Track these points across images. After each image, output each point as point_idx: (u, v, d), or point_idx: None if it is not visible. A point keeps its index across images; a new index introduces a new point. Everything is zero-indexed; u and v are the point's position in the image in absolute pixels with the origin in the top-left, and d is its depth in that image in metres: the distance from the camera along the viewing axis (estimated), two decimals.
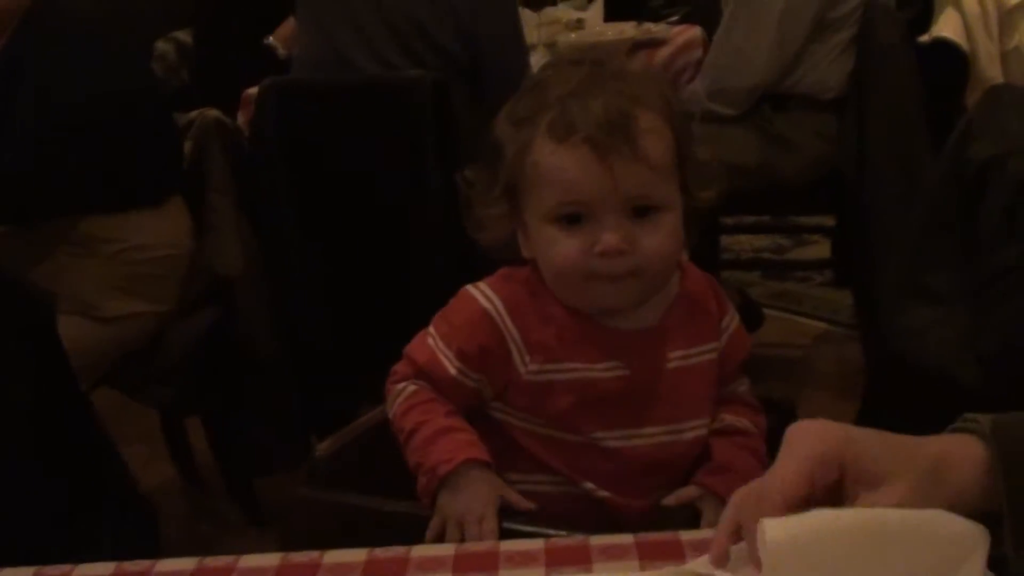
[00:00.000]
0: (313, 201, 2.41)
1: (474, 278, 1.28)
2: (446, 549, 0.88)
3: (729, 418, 1.31)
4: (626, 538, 0.87)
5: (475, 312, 1.23)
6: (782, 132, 2.74)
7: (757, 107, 2.76)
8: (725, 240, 3.80)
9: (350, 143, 2.35)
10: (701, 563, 0.83)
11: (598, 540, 0.88)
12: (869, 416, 1.75)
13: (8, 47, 2.05)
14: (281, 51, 3.22)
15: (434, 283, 1.90)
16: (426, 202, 2.30)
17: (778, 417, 1.35)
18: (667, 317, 1.25)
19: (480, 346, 1.22)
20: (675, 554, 0.85)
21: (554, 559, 0.86)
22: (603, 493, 1.23)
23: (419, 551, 0.88)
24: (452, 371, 1.22)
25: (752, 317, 2.94)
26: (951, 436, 0.79)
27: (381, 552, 0.88)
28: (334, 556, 0.88)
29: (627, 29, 3.19)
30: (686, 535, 0.89)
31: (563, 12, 3.39)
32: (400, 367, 1.26)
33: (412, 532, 1.06)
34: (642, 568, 0.84)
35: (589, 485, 1.22)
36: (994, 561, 0.74)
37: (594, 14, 3.39)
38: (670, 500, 1.24)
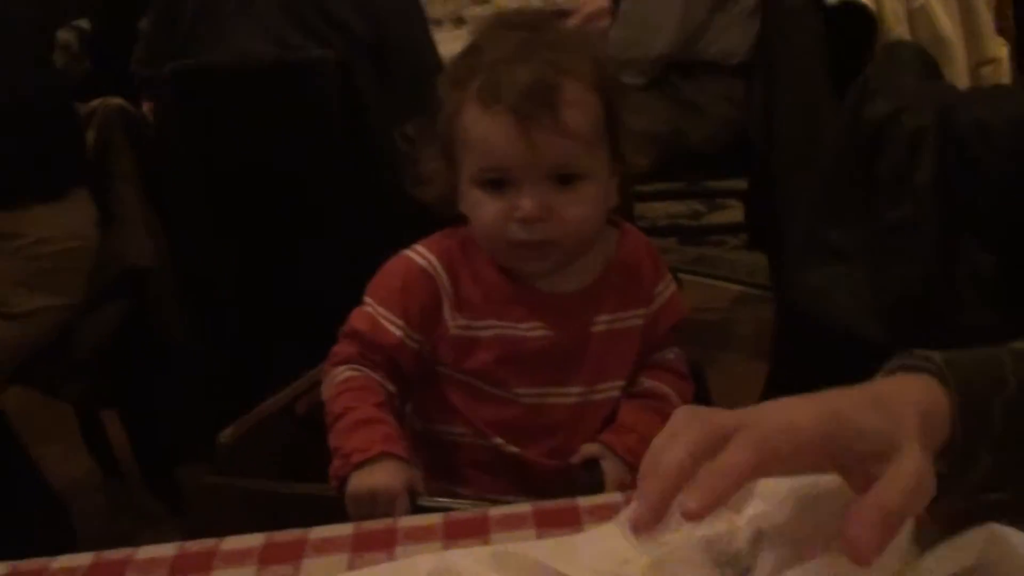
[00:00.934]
0: (221, 187, 2.38)
1: (382, 260, 1.29)
2: (343, 529, 0.87)
3: (649, 383, 1.33)
4: (523, 507, 0.87)
5: (412, 271, 1.26)
6: (691, 98, 2.75)
7: (665, 75, 2.76)
8: (640, 207, 3.80)
9: (255, 127, 2.32)
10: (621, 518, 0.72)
11: (497, 511, 0.88)
12: (778, 376, 1.77)
13: None
14: None
15: (342, 263, 1.89)
16: (334, 185, 2.28)
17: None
18: (598, 281, 1.28)
19: (421, 304, 1.25)
20: (572, 521, 0.85)
21: (452, 532, 0.86)
22: (512, 448, 1.26)
23: (317, 532, 0.87)
24: (398, 334, 1.24)
25: None
26: (917, 380, 0.70)
27: (279, 536, 0.87)
28: (231, 543, 0.87)
29: (533, 0, 3.18)
30: (584, 501, 0.89)
31: None
32: (340, 347, 1.27)
33: (318, 514, 1.05)
34: (538, 537, 0.83)
35: (498, 440, 1.26)
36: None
37: None
38: (575, 458, 1.27)
